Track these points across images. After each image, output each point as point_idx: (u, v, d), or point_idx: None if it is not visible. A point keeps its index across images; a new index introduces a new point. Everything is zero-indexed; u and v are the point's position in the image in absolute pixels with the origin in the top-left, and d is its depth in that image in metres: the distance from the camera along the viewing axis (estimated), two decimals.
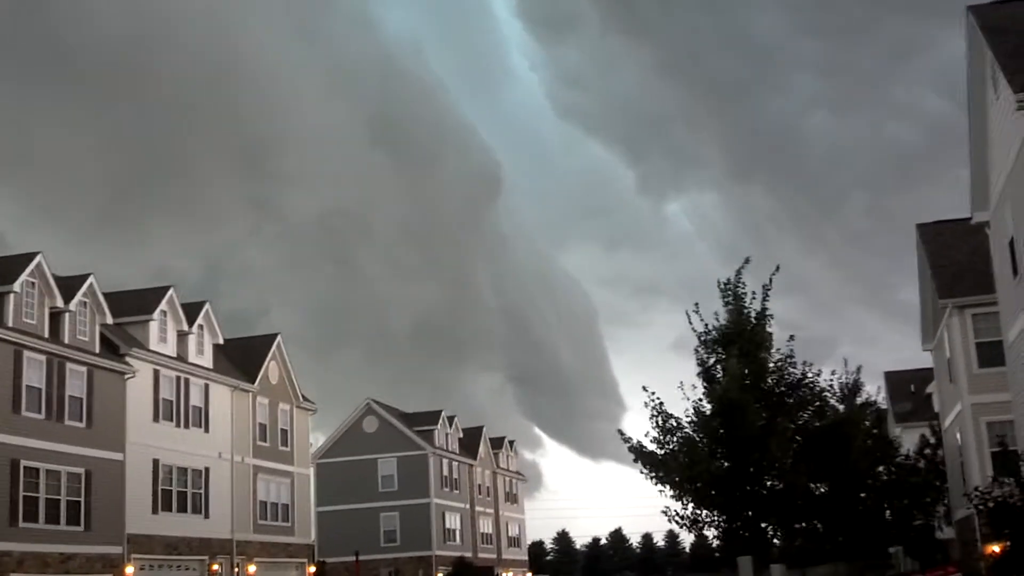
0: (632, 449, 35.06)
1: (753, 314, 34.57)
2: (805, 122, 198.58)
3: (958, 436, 35.96)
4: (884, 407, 49.41)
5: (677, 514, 35.08)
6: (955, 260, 34.46)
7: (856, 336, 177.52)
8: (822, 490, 37.53)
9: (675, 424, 34.68)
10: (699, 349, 34.96)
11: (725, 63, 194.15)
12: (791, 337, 35.21)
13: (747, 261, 34.95)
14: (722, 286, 34.82)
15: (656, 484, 34.77)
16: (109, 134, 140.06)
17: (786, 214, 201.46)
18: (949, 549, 42.80)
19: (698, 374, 34.89)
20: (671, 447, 34.72)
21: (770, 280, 34.53)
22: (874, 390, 45.65)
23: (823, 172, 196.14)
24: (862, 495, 40.36)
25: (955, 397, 35.49)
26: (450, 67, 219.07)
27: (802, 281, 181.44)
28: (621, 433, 35.43)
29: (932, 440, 43.20)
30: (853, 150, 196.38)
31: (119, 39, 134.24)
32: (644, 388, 34.94)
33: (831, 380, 38.38)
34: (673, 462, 34.33)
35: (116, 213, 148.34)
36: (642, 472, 34.95)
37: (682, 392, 34.84)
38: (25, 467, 37.24)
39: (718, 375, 34.39)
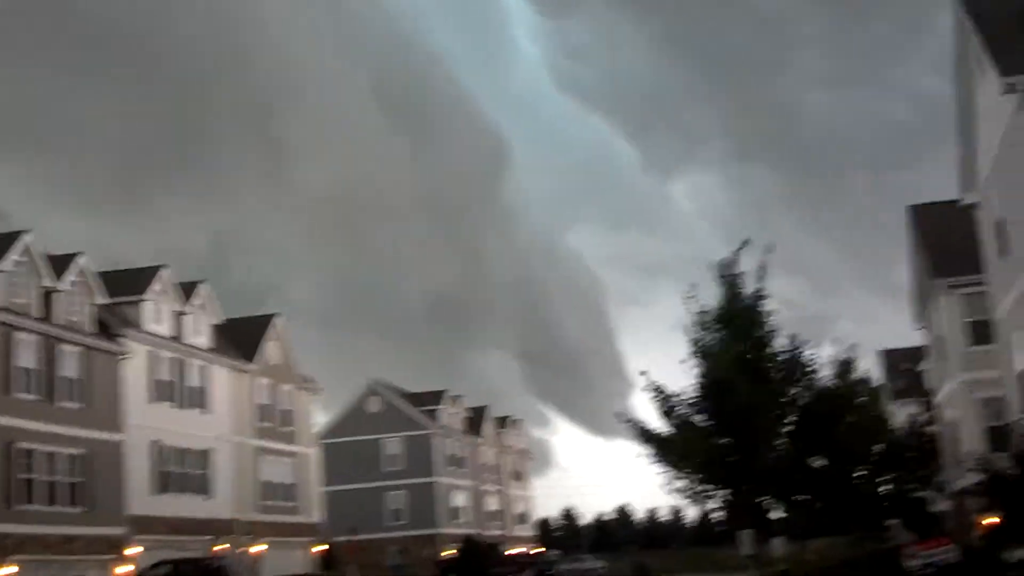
0: (635, 429, 35.47)
1: (748, 294, 34.70)
2: (806, 100, 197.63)
3: (950, 412, 36.08)
4: (878, 384, 49.53)
5: (679, 488, 35.50)
6: (946, 241, 34.75)
7: (855, 314, 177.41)
8: (819, 464, 37.73)
9: (673, 404, 35.06)
10: (694, 329, 35.15)
11: (730, 38, 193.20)
12: (770, 312, 35.38)
13: (746, 242, 35.03)
14: (718, 266, 34.98)
15: (658, 464, 35.23)
16: (120, 106, 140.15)
17: (787, 193, 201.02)
18: (944, 521, 43.06)
19: (692, 353, 35.09)
20: (671, 425, 35.10)
21: (763, 261, 34.61)
22: (867, 367, 45.78)
23: (823, 151, 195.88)
24: (858, 469, 40.53)
25: (946, 374, 35.59)
26: (452, 39, 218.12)
27: (803, 260, 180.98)
28: (623, 415, 36.00)
29: (924, 416, 43.30)
30: (853, 129, 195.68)
31: (128, 7, 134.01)
32: (641, 373, 35.56)
33: (822, 358, 38.73)
34: (674, 441, 34.72)
35: (128, 186, 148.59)
36: (645, 453, 35.42)
37: (683, 371, 35.22)
38: (19, 449, 37.15)
39: (713, 353, 34.64)
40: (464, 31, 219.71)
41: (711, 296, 34.91)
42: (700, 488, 35.56)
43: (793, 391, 35.08)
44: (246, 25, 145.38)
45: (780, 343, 34.98)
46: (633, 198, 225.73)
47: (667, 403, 35.20)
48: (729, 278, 34.52)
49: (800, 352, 35.09)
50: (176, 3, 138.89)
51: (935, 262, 34.26)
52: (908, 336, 49.54)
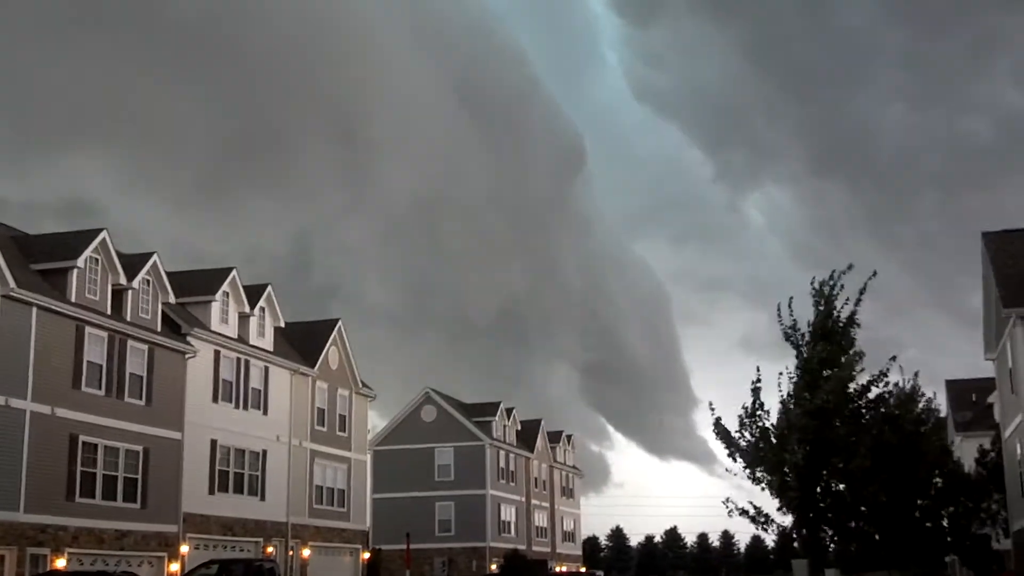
0: (717, 426, 35.08)
1: (842, 318, 34.53)
2: (884, 115, 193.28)
3: (1018, 448, 35.45)
4: (943, 415, 48.83)
5: (738, 508, 35.09)
6: (1021, 270, 33.98)
7: (922, 340, 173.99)
8: (879, 495, 37.28)
9: (764, 413, 34.86)
10: (798, 344, 34.90)
11: (810, 51, 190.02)
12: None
13: (850, 267, 34.85)
14: (816, 285, 34.82)
15: (740, 465, 34.95)
16: (206, 104, 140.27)
17: (860, 212, 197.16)
18: (1006, 560, 42.24)
19: (798, 367, 34.77)
20: (755, 432, 34.80)
21: (865, 285, 34.43)
22: (932, 396, 45.23)
23: (899, 168, 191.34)
24: (920, 502, 39.92)
25: (1017, 408, 35.00)
26: (535, 41, 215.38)
27: (872, 281, 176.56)
28: (711, 406, 35.50)
29: (991, 450, 42.52)
30: (930, 146, 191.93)
31: (212, 6, 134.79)
32: (757, 368, 35.23)
33: (892, 388, 38.41)
34: (760, 445, 34.43)
35: (213, 184, 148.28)
36: (726, 452, 35.08)
37: (778, 384, 34.94)
38: (83, 442, 37.56)
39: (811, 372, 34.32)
40: (547, 34, 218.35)
41: (801, 313, 34.87)
42: (760, 510, 35.14)
43: (879, 429, 34.79)
44: (330, 24, 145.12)
45: (861, 370, 34.80)
46: (703, 210, 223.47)
47: (758, 411, 34.85)
48: (826, 298, 34.38)
49: (885, 384, 34.90)
50: (260, 2, 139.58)
51: (1008, 292, 33.61)
52: (976, 367, 48.80)
